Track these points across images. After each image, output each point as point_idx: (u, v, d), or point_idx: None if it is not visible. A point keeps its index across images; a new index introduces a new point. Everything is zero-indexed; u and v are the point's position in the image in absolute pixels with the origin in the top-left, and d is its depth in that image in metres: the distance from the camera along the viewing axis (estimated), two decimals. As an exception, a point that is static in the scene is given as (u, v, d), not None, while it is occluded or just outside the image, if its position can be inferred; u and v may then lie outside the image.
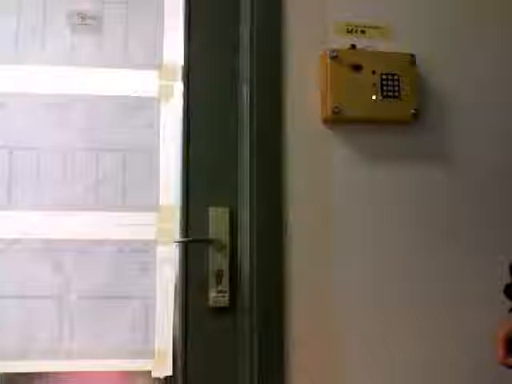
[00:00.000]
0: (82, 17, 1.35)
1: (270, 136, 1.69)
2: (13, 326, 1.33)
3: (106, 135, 1.34)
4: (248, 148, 1.71)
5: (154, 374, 1.33)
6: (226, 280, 1.36)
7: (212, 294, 1.34)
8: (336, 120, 1.69)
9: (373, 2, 1.78)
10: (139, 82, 1.37)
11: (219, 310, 1.35)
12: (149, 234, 1.37)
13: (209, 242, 1.36)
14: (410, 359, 1.68)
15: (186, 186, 1.42)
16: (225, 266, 1.36)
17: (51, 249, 1.34)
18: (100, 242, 1.36)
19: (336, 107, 1.67)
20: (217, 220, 1.36)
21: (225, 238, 1.34)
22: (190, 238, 1.37)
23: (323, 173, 1.70)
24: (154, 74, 1.36)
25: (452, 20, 1.83)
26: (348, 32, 1.75)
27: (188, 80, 1.43)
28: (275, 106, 1.70)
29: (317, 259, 1.65)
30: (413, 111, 1.70)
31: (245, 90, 1.73)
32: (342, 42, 1.73)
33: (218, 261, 1.37)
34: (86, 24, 1.37)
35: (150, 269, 1.36)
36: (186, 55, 1.43)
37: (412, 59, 1.73)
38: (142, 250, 1.36)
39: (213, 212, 1.38)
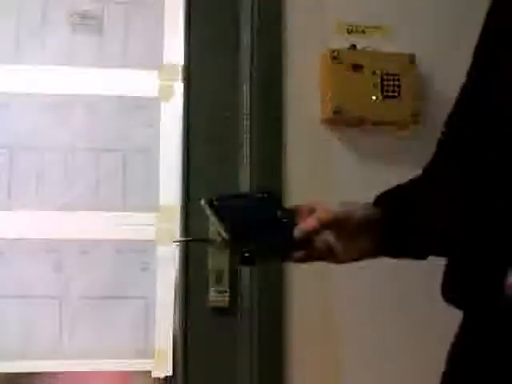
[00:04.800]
0: (82, 17, 1.35)
1: (269, 136, 1.70)
2: (13, 325, 1.33)
3: (106, 135, 1.34)
4: (248, 148, 1.72)
5: (154, 374, 1.33)
6: (225, 280, 1.36)
7: (212, 293, 1.34)
8: (336, 120, 1.69)
9: (373, 2, 1.78)
10: (139, 82, 1.37)
11: (219, 310, 1.35)
12: (149, 234, 1.37)
13: (209, 241, 1.36)
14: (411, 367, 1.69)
15: (186, 186, 1.42)
16: (225, 266, 1.36)
17: (51, 249, 1.34)
18: (100, 242, 1.36)
19: (336, 107, 1.67)
20: (217, 220, 1.35)
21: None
22: (190, 238, 1.37)
23: (323, 173, 1.70)
24: (154, 74, 1.36)
25: (452, 20, 1.83)
26: (348, 32, 1.74)
27: (188, 80, 1.43)
28: (275, 106, 1.70)
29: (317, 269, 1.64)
30: (413, 112, 1.70)
31: (245, 90, 1.74)
32: (342, 42, 1.72)
33: (218, 261, 1.37)
34: (86, 24, 1.37)
35: (150, 269, 1.36)
36: (186, 55, 1.44)
37: (412, 59, 1.72)
38: (142, 249, 1.36)
39: (213, 212, 1.37)
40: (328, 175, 1.70)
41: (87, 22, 1.34)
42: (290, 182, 1.67)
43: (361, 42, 1.73)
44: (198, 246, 1.37)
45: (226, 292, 1.35)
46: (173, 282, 1.37)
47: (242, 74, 1.76)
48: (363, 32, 1.75)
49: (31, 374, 1.35)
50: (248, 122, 1.71)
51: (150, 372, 1.33)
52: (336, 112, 1.67)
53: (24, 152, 1.33)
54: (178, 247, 1.38)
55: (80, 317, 1.35)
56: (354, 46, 1.73)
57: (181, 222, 1.39)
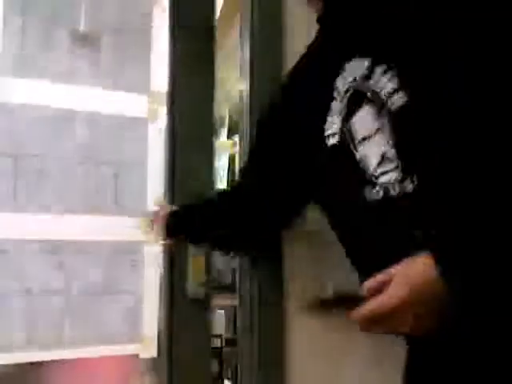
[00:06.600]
0: (83, 45, 1.41)
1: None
2: (19, 319, 1.40)
3: (103, 148, 1.43)
4: (248, 148, 1.73)
5: (142, 356, 1.44)
6: (202, 275, 1.48)
7: (191, 287, 1.45)
8: (335, 120, 1.68)
9: (372, 2, 1.75)
10: (132, 104, 1.47)
11: (197, 301, 1.46)
12: (138, 236, 1.45)
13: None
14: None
15: (171, 194, 1.54)
16: (202, 264, 1.48)
17: (54, 249, 1.42)
18: (97, 243, 1.44)
19: (335, 108, 1.66)
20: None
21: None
22: (174, 240, 1.49)
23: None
24: (144, 98, 1.46)
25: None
26: (347, 32, 1.72)
27: (172, 105, 1.53)
28: (275, 107, 1.70)
29: (317, 257, 1.64)
30: (412, 112, 1.67)
31: (245, 90, 1.76)
32: (342, 42, 1.71)
33: (196, 258, 1.48)
34: (86, 50, 1.42)
35: (139, 266, 1.43)
36: (171, 83, 1.53)
37: (411, 59, 1.70)
38: (133, 250, 1.45)
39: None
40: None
41: (88, 50, 1.40)
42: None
43: (360, 43, 1.71)
44: (180, 245, 1.48)
45: (203, 285, 1.43)
46: (158, 277, 1.44)
47: (243, 74, 1.79)
48: (363, 32, 1.72)
49: (38, 362, 1.43)
50: (248, 123, 1.74)
51: (137, 354, 1.43)
52: (335, 113, 1.66)
53: (29, 160, 1.40)
54: (163, 247, 1.48)
55: (80, 309, 1.43)
56: (353, 47, 1.71)
57: (165, 225, 1.49)
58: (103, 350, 1.42)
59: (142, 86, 1.40)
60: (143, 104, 1.42)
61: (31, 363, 1.43)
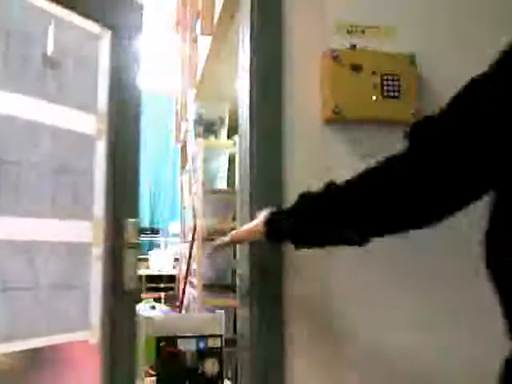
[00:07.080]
0: (50, 67, 1.54)
1: (270, 136, 1.71)
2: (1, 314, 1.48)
3: (63, 159, 1.59)
4: (248, 148, 1.73)
5: (90, 341, 1.66)
6: (133, 270, 1.69)
7: (126, 280, 1.65)
8: (336, 120, 1.68)
9: (373, 2, 1.76)
10: (87, 123, 1.66)
11: (129, 292, 1.66)
12: (87, 238, 1.66)
13: (125, 244, 1.67)
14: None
15: (112, 203, 1.68)
16: (134, 261, 1.69)
17: (26, 249, 1.53)
18: (59, 244, 1.59)
19: (336, 107, 1.66)
20: (131, 228, 1.69)
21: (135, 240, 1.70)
22: (115, 242, 1.66)
23: (323, 173, 1.70)
24: (94, 118, 1.67)
25: (452, 20, 1.80)
26: (348, 32, 1.73)
27: (110, 125, 1.67)
28: (275, 107, 1.71)
29: (316, 255, 1.64)
30: (413, 111, 1.68)
31: (246, 92, 1.76)
32: (342, 42, 1.72)
33: (131, 257, 1.67)
34: (52, 71, 1.55)
35: (89, 264, 1.64)
36: (109, 106, 1.67)
37: (412, 59, 1.71)
38: (83, 250, 1.64)
39: (128, 222, 1.68)
40: (328, 175, 1.70)
41: (54, 73, 1.53)
42: (289, 183, 1.68)
43: (361, 42, 1.72)
44: (119, 246, 1.67)
45: (133, 278, 1.67)
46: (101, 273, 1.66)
47: (243, 74, 1.79)
48: (363, 32, 1.74)
49: (20, 352, 1.53)
50: (248, 123, 1.74)
51: (87, 340, 1.66)
52: (336, 112, 1.66)
53: (7, 167, 1.49)
54: (106, 248, 1.66)
55: (47, 303, 1.56)
56: (354, 46, 1.72)
57: (107, 229, 1.67)
58: (61, 338, 1.60)
59: (92, 107, 1.67)
60: (93, 123, 1.66)
61: (15, 352, 1.53)
